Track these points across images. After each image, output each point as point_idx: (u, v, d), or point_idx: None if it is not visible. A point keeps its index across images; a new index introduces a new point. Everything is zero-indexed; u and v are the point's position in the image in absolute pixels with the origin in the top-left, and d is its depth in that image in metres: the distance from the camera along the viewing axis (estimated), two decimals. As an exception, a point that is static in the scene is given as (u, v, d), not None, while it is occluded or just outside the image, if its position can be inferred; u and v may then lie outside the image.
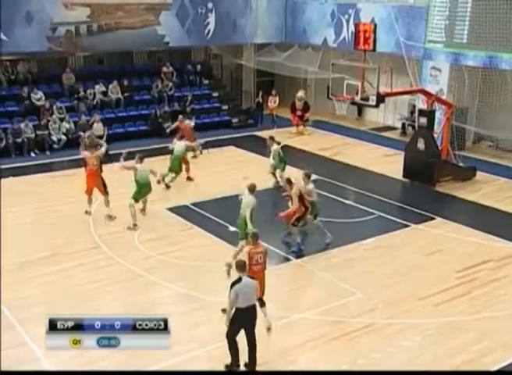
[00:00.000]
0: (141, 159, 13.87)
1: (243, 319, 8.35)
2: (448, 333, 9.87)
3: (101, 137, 18.98)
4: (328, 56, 22.32)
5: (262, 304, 9.30)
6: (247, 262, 9.15)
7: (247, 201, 11.56)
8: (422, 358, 9.20)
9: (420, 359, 9.19)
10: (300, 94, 23.37)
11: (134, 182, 13.72)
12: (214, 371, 8.49)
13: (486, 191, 16.73)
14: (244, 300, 8.30)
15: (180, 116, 19.30)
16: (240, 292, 8.28)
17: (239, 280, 8.38)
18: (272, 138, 16.60)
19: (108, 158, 17.27)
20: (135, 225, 13.55)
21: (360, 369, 8.92)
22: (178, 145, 16.35)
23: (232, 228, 13.76)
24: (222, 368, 8.63)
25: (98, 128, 19.46)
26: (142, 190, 13.85)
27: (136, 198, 13.80)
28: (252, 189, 11.63)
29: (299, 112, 23.08)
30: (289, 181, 12.72)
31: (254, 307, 8.47)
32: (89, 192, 14.27)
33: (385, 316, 10.30)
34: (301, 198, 12.21)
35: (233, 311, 8.34)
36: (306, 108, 23.34)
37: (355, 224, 14.30)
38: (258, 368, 8.75)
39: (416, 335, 9.83)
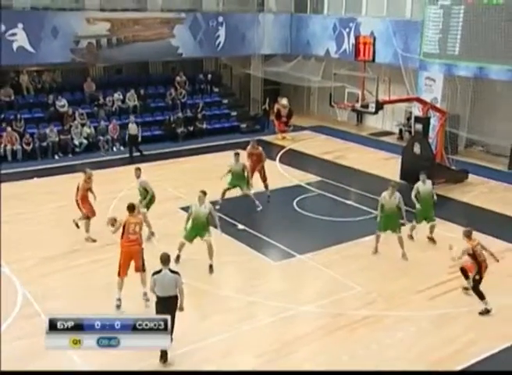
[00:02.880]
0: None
1: (161, 307, 8.42)
2: (440, 325, 9.88)
3: (136, 137, 19.73)
4: (331, 66, 22.28)
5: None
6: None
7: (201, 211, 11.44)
8: (416, 349, 9.19)
9: (413, 349, 9.18)
10: (285, 102, 23.43)
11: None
12: (214, 371, 8.40)
13: (477, 192, 16.66)
14: (161, 290, 8.45)
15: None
16: (157, 282, 8.45)
17: (159, 271, 8.50)
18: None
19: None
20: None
21: (360, 359, 8.90)
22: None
23: (240, 226, 13.81)
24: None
25: (133, 128, 19.87)
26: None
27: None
28: (202, 196, 11.40)
29: (284, 119, 23.15)
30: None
31: (171, 297, 8.48)
32: (123, 271, 10.15)
33: (383, 308, 10.30)
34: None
35: (155, 298, 8.56)
36: (290, 114, 23.41)
37: (355, 223, 14.26)
38: (262, 358, 8.73)
39: (411, 326, 9.82)
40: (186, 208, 14.49)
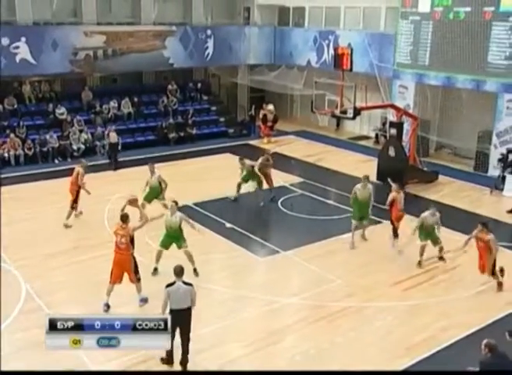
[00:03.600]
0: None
1: (175, 320, 7.53)
2: (413, 315, 10.01)
3: (116, 145, 19.00)
4: (312, 75, 22.25)
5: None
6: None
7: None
8: (392, 336, 9.32)
9: (390, 336, 9.30)
10: (271, 107, 23.52)
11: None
12: (213, 371, 8.36)
13: (446, 191, 16.83)
14: (175, 302, 7.90)
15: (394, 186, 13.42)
16: (171, 295, 7.90)
17: (172, 283, 7.98)
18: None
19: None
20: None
21: (339, 346, 9.00)
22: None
23: (228, 225, 13.85)
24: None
25: (113, 136, 19.34)
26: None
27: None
28: (174, 206, 11.00)
29: (270, 123, 23.23)
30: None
31: (185, 309, 7.97)
32: (114, 279, 9.77)
33: (361, 300, 10.40)
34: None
35: (167, 311, 7.87)
36: (275, 119, 23.50)
37: (335, 221, 14.34)
38: (250, 347, 8.78)
39: (387, 316, 9.93)
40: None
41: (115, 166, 18.65)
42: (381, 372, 8.40)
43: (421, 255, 11.76)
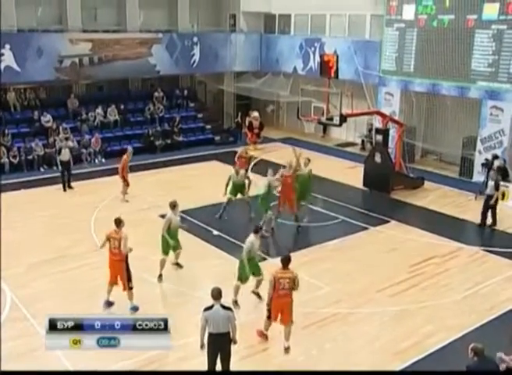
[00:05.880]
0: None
1: (214, 344, 7.65)
2: (400, 320, 10.07)
3: (68, 163, 17.18)
4: (298, 82, 22.35)
5: (287, 329, 8.90)
6: (273, 286, 8.67)
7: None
8: (379, 341, 9.37)
9: (377, 342, 9.36)
10: (256, 114, 23.65)
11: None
12: (212, 371, 8.27)
13: (432, 197, 16.96)
14: (215, 326, 7.61)
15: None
16: (208, 318, 7.61)
17: (210, 307, 7.67)
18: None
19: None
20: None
21: (327, 351, 9.06)
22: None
23: (215, 232, 13.84)
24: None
25: (66, 154, 17.27)
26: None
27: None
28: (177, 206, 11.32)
29: (256, 130, 23.33)
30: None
31: (224, 334, 7.66)
32: (110, 281, 10.11)
33: (349, 306, 10.45)
34: None
35: (206, 336, 7.71)
36: (261, 126, 23.62)
37: (322, 227, 14.41)
38: (238, 355, 8.71)
39: (374, 321, 10.00)
40: (165, 216, 14.56)
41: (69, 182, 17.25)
42: (378, 372, 8.47)
43: None
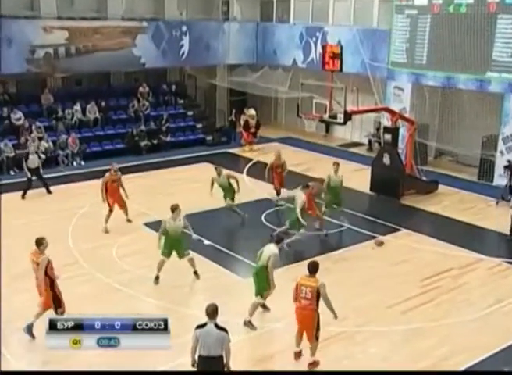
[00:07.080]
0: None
1: (204, 368, 7.50)
2: (413, 339, 10.02)
3: (37, 169, 17.26)
4: (298, 76, 22.43)
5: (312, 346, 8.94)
6: (294, 292, 8.78)
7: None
8: (388, 363, 9.30)
9: (385, 364, 9.27)
10: (252, 112, 23.69)
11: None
12: (212, 371, 8.33)
13: (447, 203, 16.99)
14: (205, 348, 7.43)
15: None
16: (199, 338, 7.43)
17: (203, 325, 7.50)
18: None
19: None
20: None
21: (331, 375, 9.04)
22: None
23: (207, 242, 13.81)
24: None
25: (35, 160, 17.36)
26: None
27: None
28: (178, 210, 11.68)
29: (252, 129, 23.38)
30: None
31: (215, 358, 7.44)
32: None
33: (355, 324, 10.40)
34: None
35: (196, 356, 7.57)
36: (258, 125, 23.69)
37: (327, 236, 14.38)
38: None
39: (383, 341, 9.96)
40: (150, 224, 14.55)
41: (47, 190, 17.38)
42: (381, 372, 8.53)
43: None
